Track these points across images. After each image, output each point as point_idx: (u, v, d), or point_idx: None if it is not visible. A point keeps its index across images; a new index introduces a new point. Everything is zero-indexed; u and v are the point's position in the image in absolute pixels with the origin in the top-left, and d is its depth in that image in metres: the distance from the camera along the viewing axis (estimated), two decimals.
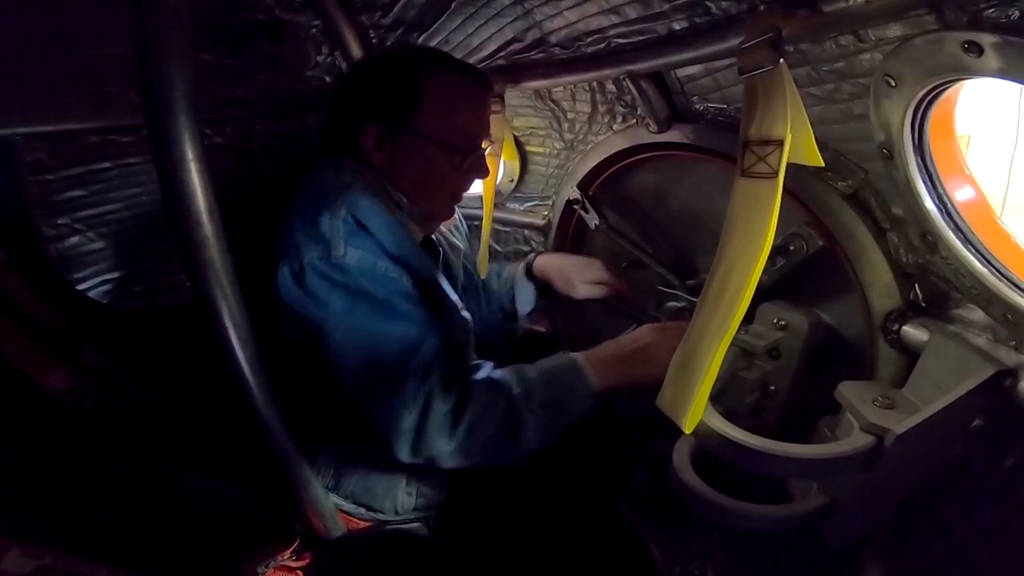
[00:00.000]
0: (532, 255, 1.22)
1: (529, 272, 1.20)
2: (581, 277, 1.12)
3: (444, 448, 0.74)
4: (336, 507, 0.88)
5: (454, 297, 0.89)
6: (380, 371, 0.75)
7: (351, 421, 0.78)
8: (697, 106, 0.92)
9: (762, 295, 0.84)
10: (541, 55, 0.97)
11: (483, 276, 1.21)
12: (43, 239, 1.02)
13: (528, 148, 1.27)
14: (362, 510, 0.90)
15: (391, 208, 0.85)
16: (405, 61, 0.90)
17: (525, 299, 1.21)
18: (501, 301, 1.21)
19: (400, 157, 0.89)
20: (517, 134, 1.25)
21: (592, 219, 1.17)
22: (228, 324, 0.70)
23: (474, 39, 1.01)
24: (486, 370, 0.82)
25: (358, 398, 0.76)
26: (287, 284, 0.77)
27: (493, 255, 1.48)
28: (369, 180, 0.85)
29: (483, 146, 0.94)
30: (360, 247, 0.77)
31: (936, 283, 0.71)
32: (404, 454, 0.75)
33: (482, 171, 0.96)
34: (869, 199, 0.75)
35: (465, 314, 0.90)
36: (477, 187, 1.38)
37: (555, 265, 1.17)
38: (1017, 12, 0.45)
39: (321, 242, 0.76)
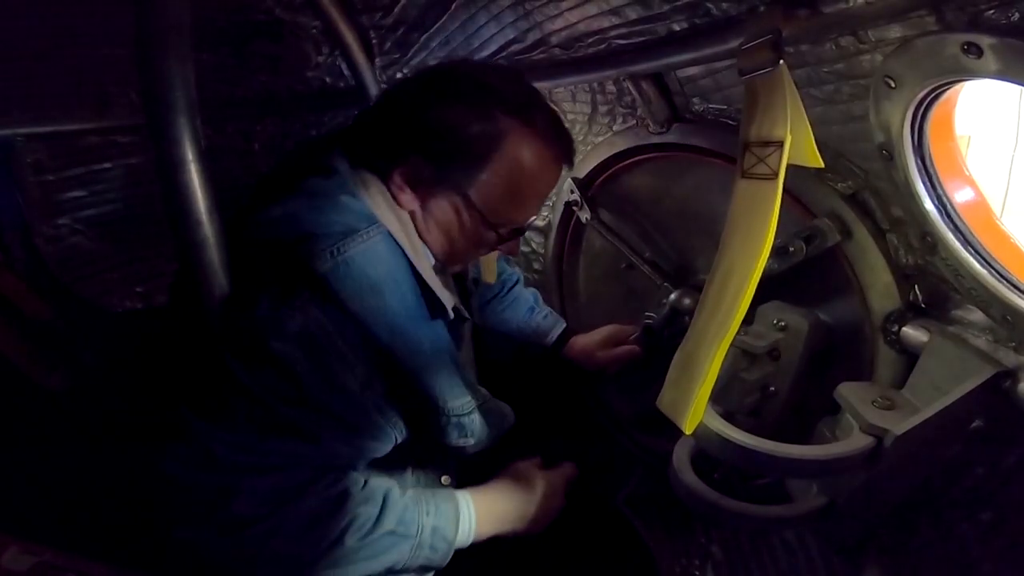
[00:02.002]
0: (555, 329, 1.22)
1: (556, 351, 1.19)
2: (604, 353, 1.11)
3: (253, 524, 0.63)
4: None
5: (462, 401, 0.75)
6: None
7: None
8: (697, 107, 0.92)
9: (776, 286, 0.83)
10: (541, 56, 0.97)
11: (491, 281, 1.11)
12: (43, 239, 1.02)
13: None
14: None
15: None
16: (487, 96, 0.71)
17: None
18: (524, 341, 1.19)
19: (432, 209, 0.73)
20: None
21: (584, 214, 1.17)
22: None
23: (474, 39, 1.01)
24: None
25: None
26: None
27: None
28: (399, 218, 0.71)
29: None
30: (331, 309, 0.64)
31: (936, 284, 0.71)
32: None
33: (514, 251, 0.83)
34: (869, 200, 0.75)
35: (473, 419, 0.77)
36: None
37: (578, 348, 1.17)
38: (1017, 14, 0.45)
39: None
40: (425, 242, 0.75)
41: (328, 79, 1.22)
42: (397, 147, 0.72)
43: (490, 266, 1.06)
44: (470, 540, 0.78)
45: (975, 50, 0.48)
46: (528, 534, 0.83)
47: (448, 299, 0.73)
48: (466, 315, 0.79)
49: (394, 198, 0.72)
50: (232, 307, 0.67)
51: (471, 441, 0.76)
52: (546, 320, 1.24)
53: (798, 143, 0.58)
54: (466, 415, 0.74)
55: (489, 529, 0.80)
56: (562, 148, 0.77)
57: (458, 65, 0.80)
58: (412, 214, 0.74)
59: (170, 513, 0.65)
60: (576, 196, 1.17)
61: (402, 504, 0.73)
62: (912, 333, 0.72)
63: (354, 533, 0.67)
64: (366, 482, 0.71)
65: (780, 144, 0.57)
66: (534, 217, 0.81)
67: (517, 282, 1.26)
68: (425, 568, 0.76)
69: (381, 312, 0.66)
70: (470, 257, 0.85)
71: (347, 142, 0.77)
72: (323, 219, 0.66)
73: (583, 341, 1.16)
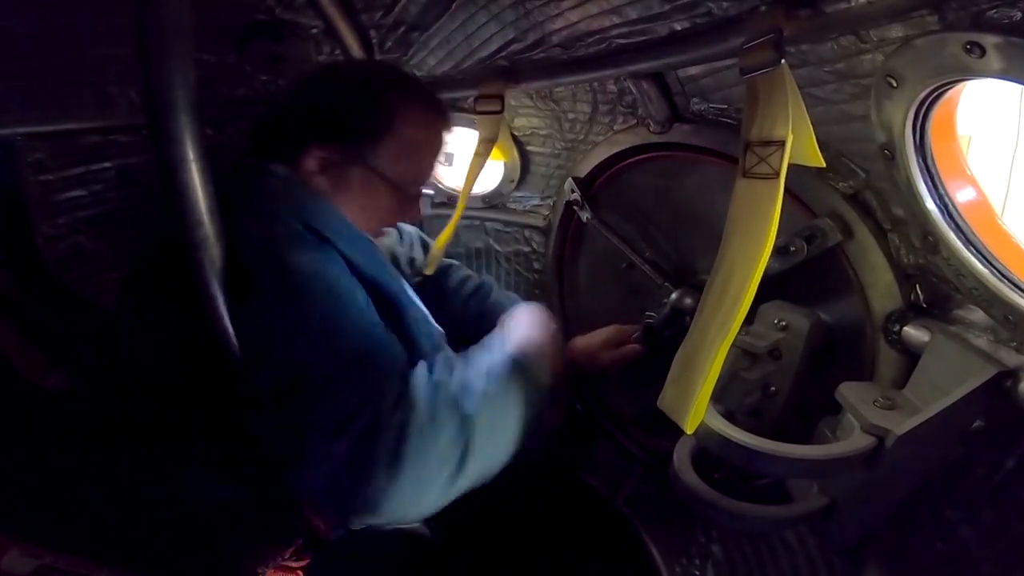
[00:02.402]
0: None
1: None
2: (607, 354, 1.08)
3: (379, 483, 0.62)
4: None
5: (423, 309, 0.86)
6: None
7: None
8: (698, 107, 0.92)
9: (776, 286, 0.83)
10: (542, 55, 0.97)
11: (429, 272, 1.18)
12: (43, 239, 1.02)
13: (529, 148, 1.27)
14: None
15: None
16: (373, 84, 0.84)
17: None
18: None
19: (344, 187, 0.83)
20: (517, 134, 1.25)
21: (585, 213, 1.17)
22: (228, 324, 0.70)
23: (474, 39, 1.01)
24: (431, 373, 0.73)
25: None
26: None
27: (493, 255, 1.48)
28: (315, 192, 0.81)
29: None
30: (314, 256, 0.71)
31: (937, 284, 0.71)
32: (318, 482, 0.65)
33: (415, 215, 0.94)
34: (870, 200, 0.75)
35: (434, 326, 0.88)
36: (476, 189, 1.39)
37: (579, 349, 1.12)
38: (1019, 13, 0.45)
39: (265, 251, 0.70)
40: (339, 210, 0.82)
41: None
42: (303, 138, 0.81)
43: (432, 259, 1.16)
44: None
45: (977, 49, 0.48)
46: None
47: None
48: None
49: (308, 183, 0.81)
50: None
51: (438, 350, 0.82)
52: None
53: (799, 142, 0.58)
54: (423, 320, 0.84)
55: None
56: (441, 112, 0.90)
57: (339, 64, 1.00)
58: (324, 195, 0.82)
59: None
60: (577, 195, 1.17)
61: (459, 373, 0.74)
62: (913, 333, 0.72)
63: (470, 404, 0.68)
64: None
65: (781, 143, 0.57)
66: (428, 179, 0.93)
67: (492, 288, 1.26)
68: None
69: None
70: (382, 226, 0.92)
71: (257, 144, 0.87)
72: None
73: (584, 342, 1.15)
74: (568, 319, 1.39)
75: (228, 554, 0.82)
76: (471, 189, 1.16)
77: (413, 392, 0.67)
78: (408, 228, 1.25)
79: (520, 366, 0.76)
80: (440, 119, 0.89)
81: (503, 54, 1.01)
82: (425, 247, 1.27)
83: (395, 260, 1.07)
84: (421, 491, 0.65)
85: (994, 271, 0.62)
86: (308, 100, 0.85)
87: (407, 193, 0.88)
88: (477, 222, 1.48)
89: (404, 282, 0.90)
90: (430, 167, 0.91)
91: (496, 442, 0.71)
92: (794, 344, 0.83)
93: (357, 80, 0.86)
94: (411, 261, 1.21)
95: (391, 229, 1.09)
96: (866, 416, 0.65)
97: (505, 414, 0.72)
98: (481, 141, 1.11)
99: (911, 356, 0.73)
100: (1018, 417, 0.61)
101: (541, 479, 1.13)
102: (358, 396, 0.65)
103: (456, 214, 1.17)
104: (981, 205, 0.65)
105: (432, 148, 0.89)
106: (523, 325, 0.87)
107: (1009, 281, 0.61)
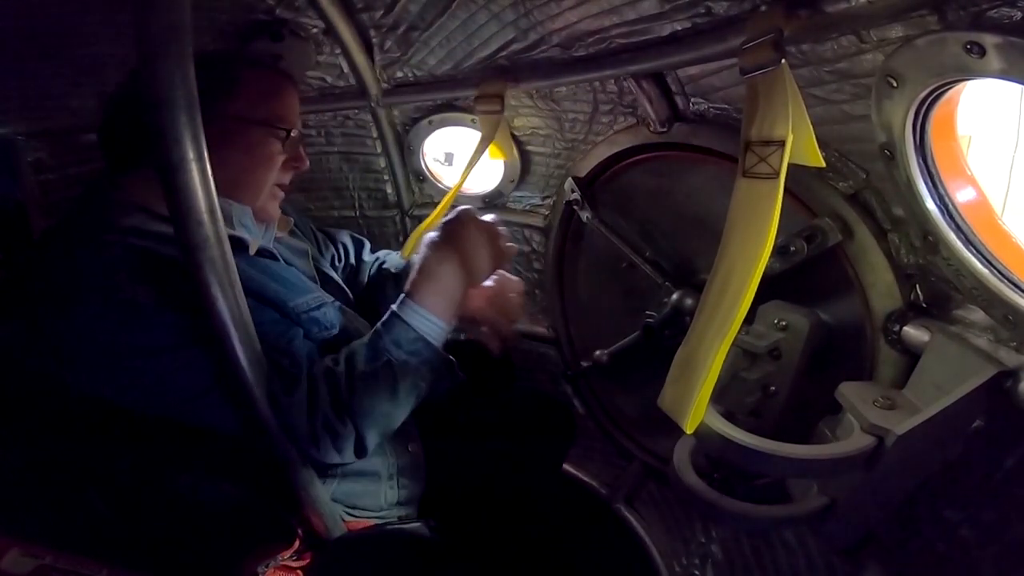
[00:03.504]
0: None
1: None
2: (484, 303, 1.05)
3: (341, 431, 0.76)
4: None
5: (303, 299, 0.87)
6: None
7: None
8: (698, 106, 0.92)
9: (776, 286, 0.83)
10: (542, 55, 0.97)
11: (405, 256, 1.16)
12: None
13: (529, 148, 1.27)
14: (352, 509, 0.91)
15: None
16: (211, 57, 0.88)
17: None
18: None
19: (214, 145, 0.80)
20: (517, 134, 1.25)
21: (585, 213, 1.17)
22: (228, 324, 0.70)
23: (474, 39, 1.01)
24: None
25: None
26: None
27: None
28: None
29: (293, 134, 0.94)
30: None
31: (937, 284, 0.71)
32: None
33: (300, 160, 0.96)
34: (870, 200, 0.75)
35: (328, 309, 0.90)
36: (476, 188, 1.39)
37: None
38: (1019, 13, 0.45)
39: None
40: (224, 194, 0.80)
41: (328, 78, 1.22)
42: (143, 128, 0.79)
43: (410, 244, 1.13)
44: (437, 325, 0.84)
45: (978, 49, 0.48)
46: (476, 281, 0.90)
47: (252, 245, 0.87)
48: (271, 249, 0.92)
49: None
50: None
51: (334, 331, 0.88)
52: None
53: (799, 142, 0.58)
54: (315, 309, 0.87)
55: (443, 304, 0.85)
56: (276, 65, 0.99)
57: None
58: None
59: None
60: (577, 195, 1.17)
61: (358, 347, 0.82)
62: (913, 333, 0.72)
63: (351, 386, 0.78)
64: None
65: (781, 143, 0.57)
66: (295, 134, 0.94)
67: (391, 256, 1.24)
68: (434, 377, 0.84)
69: None
70: (269, 190, 0.93)
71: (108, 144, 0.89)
72: None
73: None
74: (568, 319, 1.39)
75: (228, 554, 0.82)
76: (463, 182, 1.14)
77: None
78: (345, 239, 1.24)
79: (395, 328, 0.83)
80: (276, 70, 0.96)
81: (503, 54, 1.01)
82: (358, 247, 1.26)
83: (298, 252, 1.05)
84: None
85: (994, 271, 0.62)
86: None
87: (282, 127, 0.91)
88: None
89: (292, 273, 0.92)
90: (290, 105, 0.94)
91: (387, 404, 0.80)
92: (794, 344, 0.83)
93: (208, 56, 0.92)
94: (335, 259, 1.20)
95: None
96: (866, 416, 0.65)
97: (387, 386, 0.79)
98: (482, 140, 1.11)
99: (911, 356, 0.73)
100: (1018, 417, 0.61)
101: (523, 470, 1.14)
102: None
103: (443, 202, 1.14)
104: (981, 205, 0.65)
105: (281, 89, 0.93)
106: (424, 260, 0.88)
107: (1009, 281, 0.61)
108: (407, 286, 0.86)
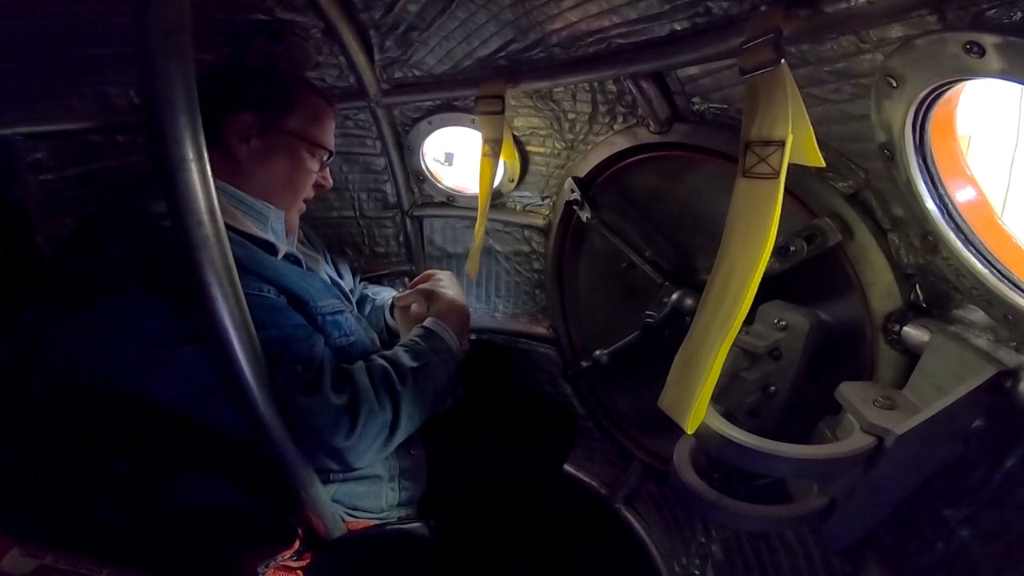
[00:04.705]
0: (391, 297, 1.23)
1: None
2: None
3: (341, 444, 0.79)
4: None
5: (327, 302, 0.92)
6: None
7: None
8: (698, 106, 0.92)
9: (776, 286, 0.83)
10: (542, 55, 0.97)
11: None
12: (43, 239, 1.02)
13: (529, 148, 1.27)
14: (353, 510, 0.91)
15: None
16: (274, 72, 1.01)
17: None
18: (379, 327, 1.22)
19: (268, 152, 0.94)
20: (517, 134, 1.25)
21: (585, 213, 1.17)
22: (228, 324, 0.70)
23: (474, 39, 1.01)
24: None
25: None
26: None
27: (493, 255, 1.48)
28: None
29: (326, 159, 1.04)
30: None
31: (937, 284, 0.71)
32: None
33: (327, 180, 1.06)
34: (870, 199, 0.75)
35: (347, 317, 0.96)
36: (476, 189, 1.39)
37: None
38: (1019, 13, 0.45)
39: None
40: (263, 197, 0.94)
41: (328, 78, 1.22)
42: (216, 118, 0.87)
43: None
44: (458, 346, 1.00)
45: (977, 49, 0.48)
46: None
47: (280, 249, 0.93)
48: (298, 256, 0.99)
49: (235, 156, 0.91)
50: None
51: (352, 338, 0.94)
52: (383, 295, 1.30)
53: (799, 142, 0.58)
54: (336, 313, 0.93)
55: (460, 331, 1.02)
56: (326, 93, 1.05)
57: (229, 65, 1.10)
58: (245, 167, 0.92)
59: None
60: (577, 195, 1.17)
61: (398, 350, 0.93)
62: (913, 333, 0.72)
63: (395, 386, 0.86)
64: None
65: (781, 143, 0.57)
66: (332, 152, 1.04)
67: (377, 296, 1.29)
68: (451, 387, 0.96)
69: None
70: (302, 188, 1.01)
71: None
72: None
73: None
74: (568, 319, 1.39)
75: (228, 554, 0.82)
76: (488, 191, 1.15)
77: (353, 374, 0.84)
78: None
79: (433, 338, 0.97)
80: (324, 97, 1.03)
81: (503, 54, 1.01)
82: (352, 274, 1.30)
83: (315, 261, 1.12)
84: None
85: (994, 271, 0.62)
86: (220, 85, 0.93)
87: (325, 148, 1.01)
88: (470, 224, 1.47)
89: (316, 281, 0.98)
90: (330, 131, 1.03)
91: (422, 403, 0.89)
92: (794, 344, 0.83)
93: (259, 68, 1.04)
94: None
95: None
96: (866, 416, 0.65)
97: (426, 385, 0.90)
98: (486, 142, 1.10)
99: (911, 356, 0.73)
100: (1018, 417, 0.61)
101: (523, 470, 1.15)
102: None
103: (480, 217, 1.16)
104: (981, 205, 0.65)
105: (326, 115, 1.02)
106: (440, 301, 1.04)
107: (1009, 281, 0.61)
108: (432, 313, 1.02)
